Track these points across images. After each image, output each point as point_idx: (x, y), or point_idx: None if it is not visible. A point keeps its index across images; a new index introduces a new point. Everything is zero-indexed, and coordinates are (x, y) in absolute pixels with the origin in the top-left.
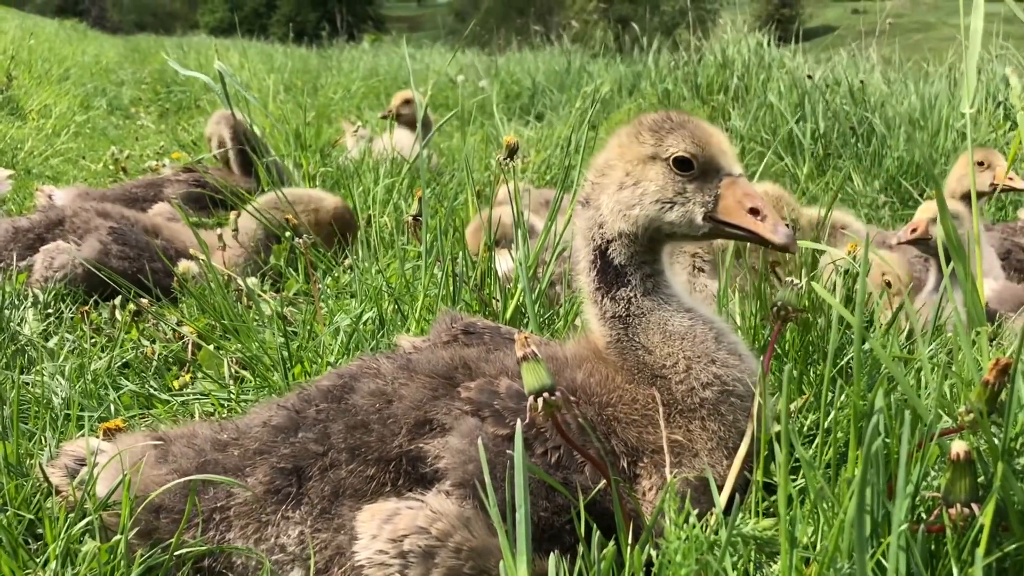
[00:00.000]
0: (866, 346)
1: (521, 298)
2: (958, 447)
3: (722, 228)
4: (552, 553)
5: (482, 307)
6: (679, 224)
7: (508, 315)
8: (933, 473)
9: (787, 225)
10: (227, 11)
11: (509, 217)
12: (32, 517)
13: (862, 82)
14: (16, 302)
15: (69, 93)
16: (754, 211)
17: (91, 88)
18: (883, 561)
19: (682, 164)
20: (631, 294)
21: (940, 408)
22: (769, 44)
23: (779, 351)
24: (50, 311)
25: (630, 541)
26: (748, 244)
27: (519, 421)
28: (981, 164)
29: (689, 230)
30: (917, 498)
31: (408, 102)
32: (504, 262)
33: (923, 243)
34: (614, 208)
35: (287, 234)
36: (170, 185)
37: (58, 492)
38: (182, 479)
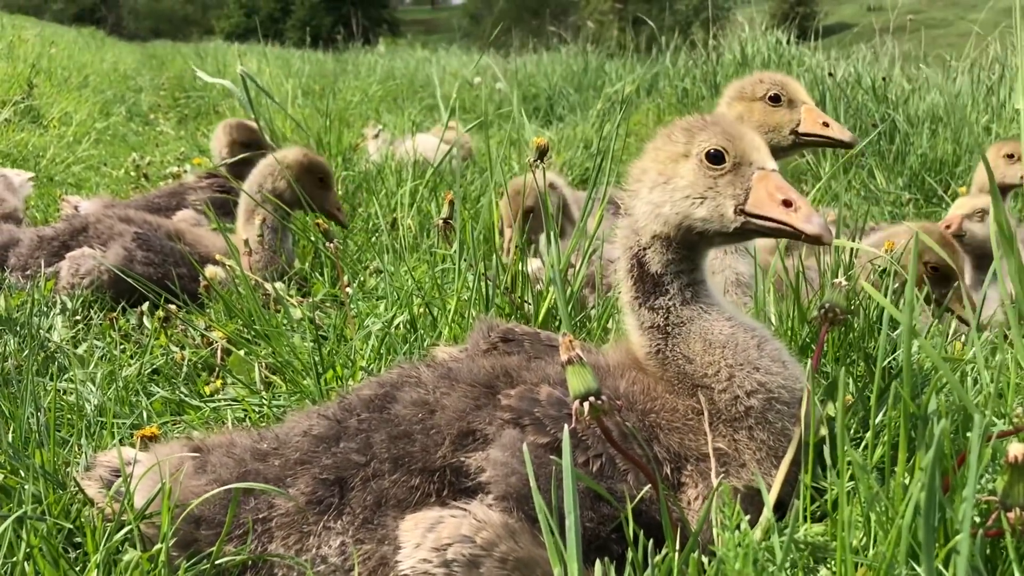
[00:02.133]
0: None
1: (553, 301)
2: (1016, 449)
3: (754, 222)
4: (598, 560)
5: (513, 310)
6: (710, 219)
7: (540, 318)
8: (986, 476)
9: (822, 216)
10: (242, 16)
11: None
12: (71, 527)
13: (885, 79)
14: (44, 309)
15: (89, 100)
16: (787, 203)
17: (110, 95)
18: (940, 568)
19: (714, 158)
20: (670, 303)
21: (994, 410)
22: (788, 42)
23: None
24: (78, 318)
25: (677, 548)
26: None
27: (565, 426)
28: (1011, 156)
29: (720, 226)
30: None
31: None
32: (533, 262)
33: (957, 240)
34: (647, 211)
35: (313, 237)
36: (193, 192)
37: (94, 504)
38: (223, 488)
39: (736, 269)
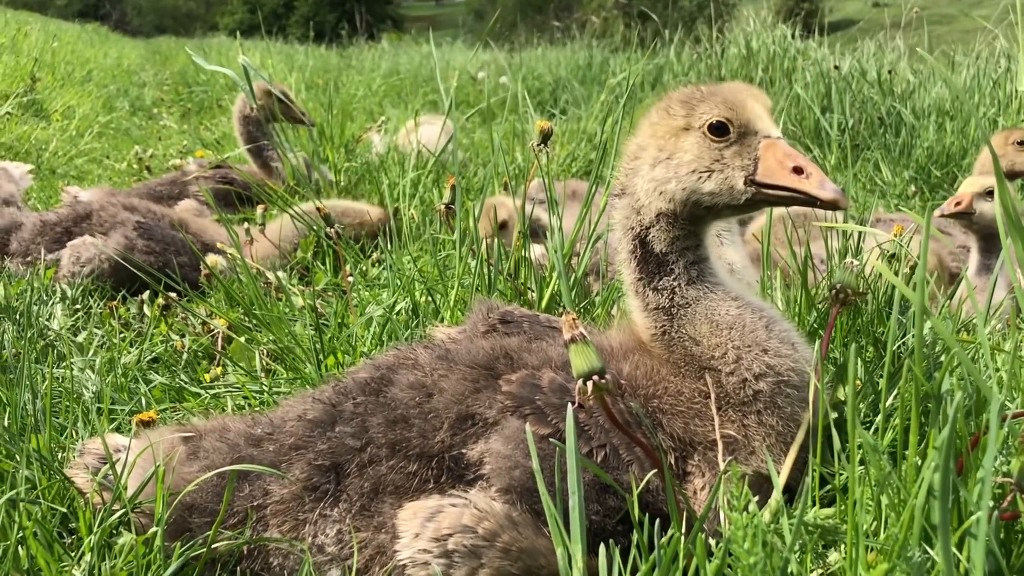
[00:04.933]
0: (927, 327)
1: (556, 287)
2: None
3: (765, 192)
4: (602, 544)
5: (516, 296)
6: (719, 193)
7: (544, 304)
8: (999, 459)
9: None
10: (246, 12)
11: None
12: (65, 511)
13: (891, 72)
14: (44, 297)
15: (92, 94)
16: (798, 170)
17: (114, 89)
18: (955, 550)
19: (717, 130)
20: (675, 283)
21: (1008, 391)
22: (794, 36)
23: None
24: (78, 306)
25: (684, 531)
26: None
27: (568, 412)
28: (1021, 144)
29: (730, 198)
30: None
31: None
32: (536, 248)
33: (966, 217)
34: (649, 188)
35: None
36: (196, 183)
37: (82, 494)
38: (214, 472)
39: (728, 259)
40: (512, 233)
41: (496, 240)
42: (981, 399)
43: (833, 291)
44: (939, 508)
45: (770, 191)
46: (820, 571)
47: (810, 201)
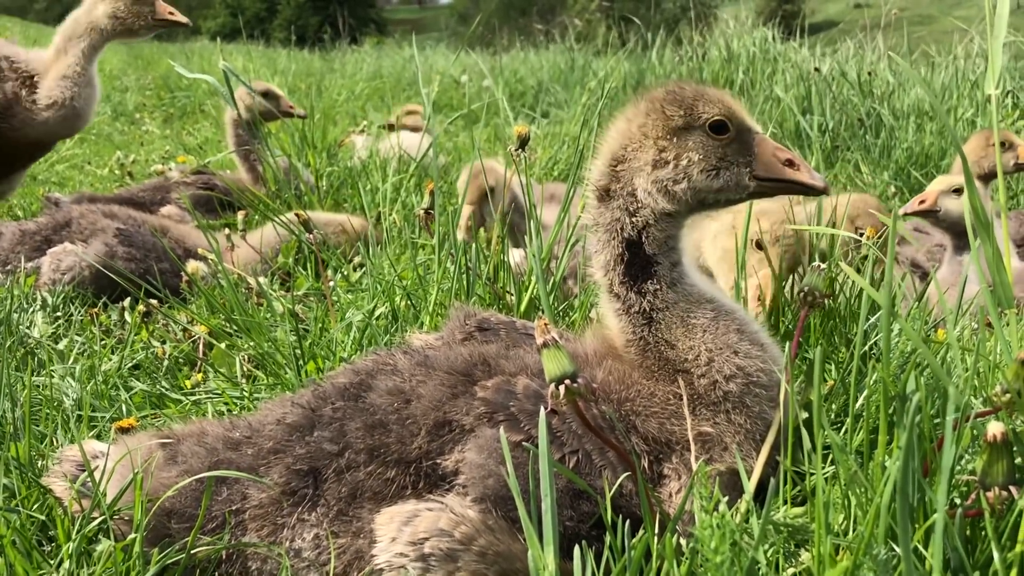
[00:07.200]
0: (895, 328)
1: (535, 291)
2: (994, 428)
3: (764, 184)
4: (576, 546)
5: (495, 300)
6: (726, 189)
7: (523, 308)
8: (966, 457)
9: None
10: (228, 16)
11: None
12: (44, 519)
13: (870, 73)
14: (25, 305)
15: None
16: (789, 162)
17: None
18: (920, 548)
19: (718, 128)
20: (656, 287)
21: (971, 391)
22: (774, 38)
23: (800, 339)
24: (59, 314)
25: (657, 532)
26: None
27: (541, 415)
28: (1000, 144)
29: (735, 193)
30: (951, 482)
31: (411, 112)
32: (515, 252)
33: (931, 215)
34: (652, 189)
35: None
36: (177, 188)
37: (60, 503)
38: (194, 478)
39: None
40: (498, 202)
41: (477, 245)
42: (946, 398)
43: (801, 294)
44: (899, 505)
45: (768, 184)
46: (793, 570)
47: (805, 190)
